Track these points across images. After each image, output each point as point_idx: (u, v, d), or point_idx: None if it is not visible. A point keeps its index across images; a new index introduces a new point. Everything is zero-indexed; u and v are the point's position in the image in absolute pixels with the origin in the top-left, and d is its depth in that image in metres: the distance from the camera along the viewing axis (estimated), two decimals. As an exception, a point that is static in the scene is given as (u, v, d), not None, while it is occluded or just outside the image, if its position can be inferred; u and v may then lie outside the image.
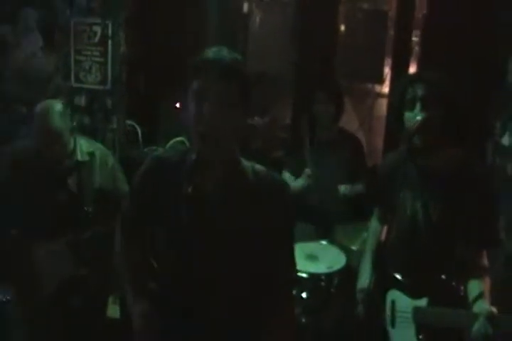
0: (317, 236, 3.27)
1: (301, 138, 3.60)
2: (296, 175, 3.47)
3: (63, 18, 3.54)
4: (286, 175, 3.50)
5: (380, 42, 4.43)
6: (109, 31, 3.51)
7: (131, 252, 1.86)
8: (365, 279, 2.34)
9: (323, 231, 3.30)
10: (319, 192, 3.36)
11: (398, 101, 2.10)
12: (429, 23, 3.64)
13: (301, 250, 3.00)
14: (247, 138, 4.11)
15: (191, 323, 1.70)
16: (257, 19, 4.27)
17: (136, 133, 3.86)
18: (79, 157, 2.73)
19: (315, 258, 3.04)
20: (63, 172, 2.72)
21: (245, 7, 4.05)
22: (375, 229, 2.49)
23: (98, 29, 3.54)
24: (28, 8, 3.53)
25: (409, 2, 3.77)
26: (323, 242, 3.20)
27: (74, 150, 2.69)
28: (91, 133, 3.61)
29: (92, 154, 2.79)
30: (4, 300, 2.94)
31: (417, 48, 3.96)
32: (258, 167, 1.70)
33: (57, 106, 2.64)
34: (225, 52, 1.58)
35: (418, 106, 2.02)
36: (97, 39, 3.56)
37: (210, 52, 1.58)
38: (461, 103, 2.10)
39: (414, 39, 3.93)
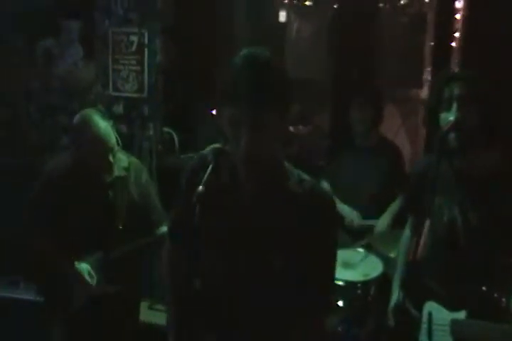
0: (353, 244, 3.24)
1: (339, 146, 3.56)
2: (334, 183, 3.44)
3: (102, 28, 3.58)
4: (324, 184, 3.46)
5: (419, 47, 4.33)
6: (146, 40, 3.53)
7: (176, 262, 1.82)
8: (394, 298, 2.28)
9: (358, 239, 3.26)
10: (355, 201, 3.33)
11: (435, 101, 2.04)
12: (469, 27, 3.52)
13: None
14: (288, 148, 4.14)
15: (228, 330, 1.68)
16: (295, 25, 4.23)
17: (173, 140, 3.88)
18: (116, 172, 2.68)
19: (351, 266, 3.00)
20: (103, 187, 2.67)
21: (282, 14, 4.02)
22: (407, 240, 2.40)
23: (135, 38, 3.55)
24: (71, 20, 3.61)
25: (449, 6, 3.65)
26: (360, 249, 3.14)
27: (113, 165, 2.64)
28: (128, 141, 3.65)
29: (127, 169, 2.73)
30: (37, 299, 2.97)
31: (456, 53, 3.88)
32: (304, 176, 1.65)
33: (99, 114, 2.63)
34: (258, 63, 1.50)
35: (455, 105, 1.96)
36: (134, 48, 3.57)
37: (243, 67, 1.50)
38: (499, 103, 2.05)
39: (454, 44, 3.82)
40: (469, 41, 3.56)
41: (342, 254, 2.96)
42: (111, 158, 2.60)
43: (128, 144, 3.56)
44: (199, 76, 3.94)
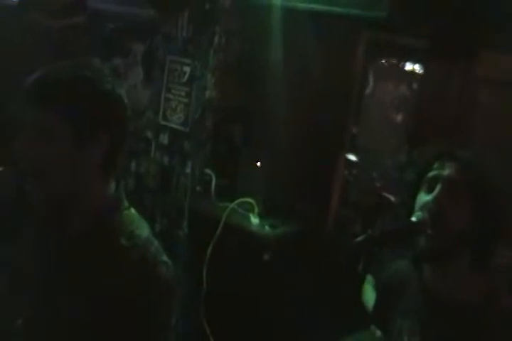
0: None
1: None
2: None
3: (162, 54, 3.52)
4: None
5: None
6: (197, 73, 3.47)
7: None
8: None
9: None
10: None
11: (415, 178, 1.57)
12: None
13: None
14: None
15: None
16: (374, 88, 3.76)
17: (211, 183, 3.66)
18: None
19: None
20: None
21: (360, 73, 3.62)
22: None
23: (187, 69, 3.48)
24: (138, 43, 3.59)
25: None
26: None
27: None
28: (169, 174, 3.46)
29: None
30: None
31: None
32: (141, 232, 1.39)
33: None
34: (57, 69, 1.31)
35: (438, 188, 1.48)
36: (185, 79, 3.47)
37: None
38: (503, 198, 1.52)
39: None
40: None
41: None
42: None
43: (167, 177, 3.35)
44: (255, 121, 3.63)
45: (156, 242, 1.39)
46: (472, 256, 1.48)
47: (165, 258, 1.37)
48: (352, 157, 3.62)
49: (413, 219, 1.46)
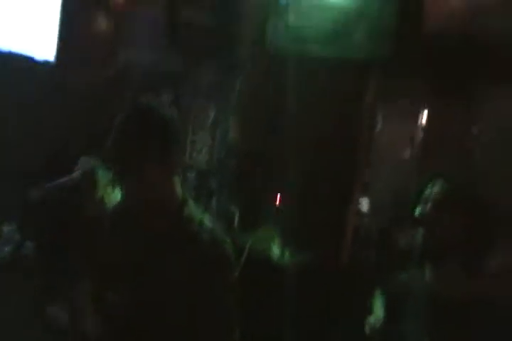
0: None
1: None
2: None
3: (188, 100, 3.81)
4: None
5: None
6: (220, 116, 3.80)
7: None
8: None
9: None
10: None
11: (417, 194, 1.84)
12: None
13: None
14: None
15: None
16: (383, 129, 3.91)
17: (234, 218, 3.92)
18: None
19: None
20: None
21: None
22: None
23: (212, 113, 3.82)
24: (165, 91, 3.78)
25: None
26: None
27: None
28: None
29: None
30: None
31: None
32: (208, 222, 1.66)
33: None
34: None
35: (429, 205, 1.73)
36: (209, 122, 3.82)
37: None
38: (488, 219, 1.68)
39: None
40: None
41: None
42: None
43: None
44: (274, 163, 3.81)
45: (216, 225, 1.67)
46: (464, 259, 1.66)
47: (227, 238, 1.65)
48: (363, 204, 3.88)
49: (416, 213, 1.78)
